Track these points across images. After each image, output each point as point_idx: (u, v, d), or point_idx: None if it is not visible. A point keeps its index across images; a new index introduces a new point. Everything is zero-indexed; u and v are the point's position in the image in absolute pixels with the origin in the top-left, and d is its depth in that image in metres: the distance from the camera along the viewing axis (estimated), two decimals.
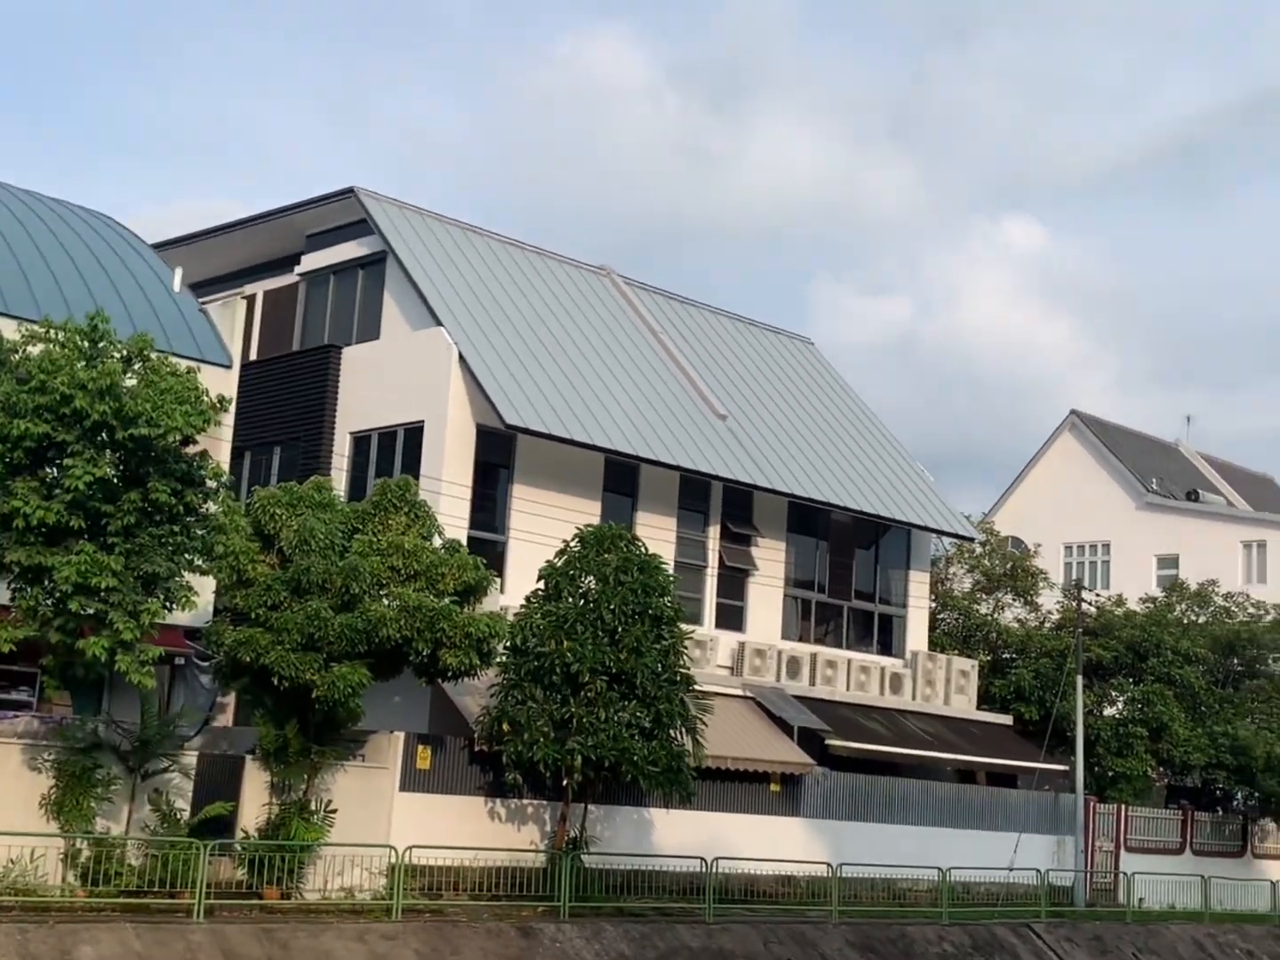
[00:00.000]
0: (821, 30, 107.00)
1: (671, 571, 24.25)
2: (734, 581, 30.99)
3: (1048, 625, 36.31)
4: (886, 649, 33.39)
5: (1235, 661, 36.72)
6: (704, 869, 23.17)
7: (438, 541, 21.78)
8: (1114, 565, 51.88)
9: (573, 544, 23.04)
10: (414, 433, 27.45)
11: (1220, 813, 36.16)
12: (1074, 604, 34.00)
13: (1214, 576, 42.24)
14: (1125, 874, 32.06)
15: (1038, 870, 28.96)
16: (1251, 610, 37.62)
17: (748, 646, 30.10)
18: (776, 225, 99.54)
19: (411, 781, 22.52)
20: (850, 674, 31.61)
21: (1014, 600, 37.43)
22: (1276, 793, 33.66)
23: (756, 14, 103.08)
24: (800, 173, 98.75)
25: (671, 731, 22.49)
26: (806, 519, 32.41)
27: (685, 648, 23.40)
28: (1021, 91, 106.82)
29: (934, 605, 36.03)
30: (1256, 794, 34.47)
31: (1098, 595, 36.27)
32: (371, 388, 28.33)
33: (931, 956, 25.52)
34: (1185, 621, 36.85)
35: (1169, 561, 50.19)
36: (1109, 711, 34.45)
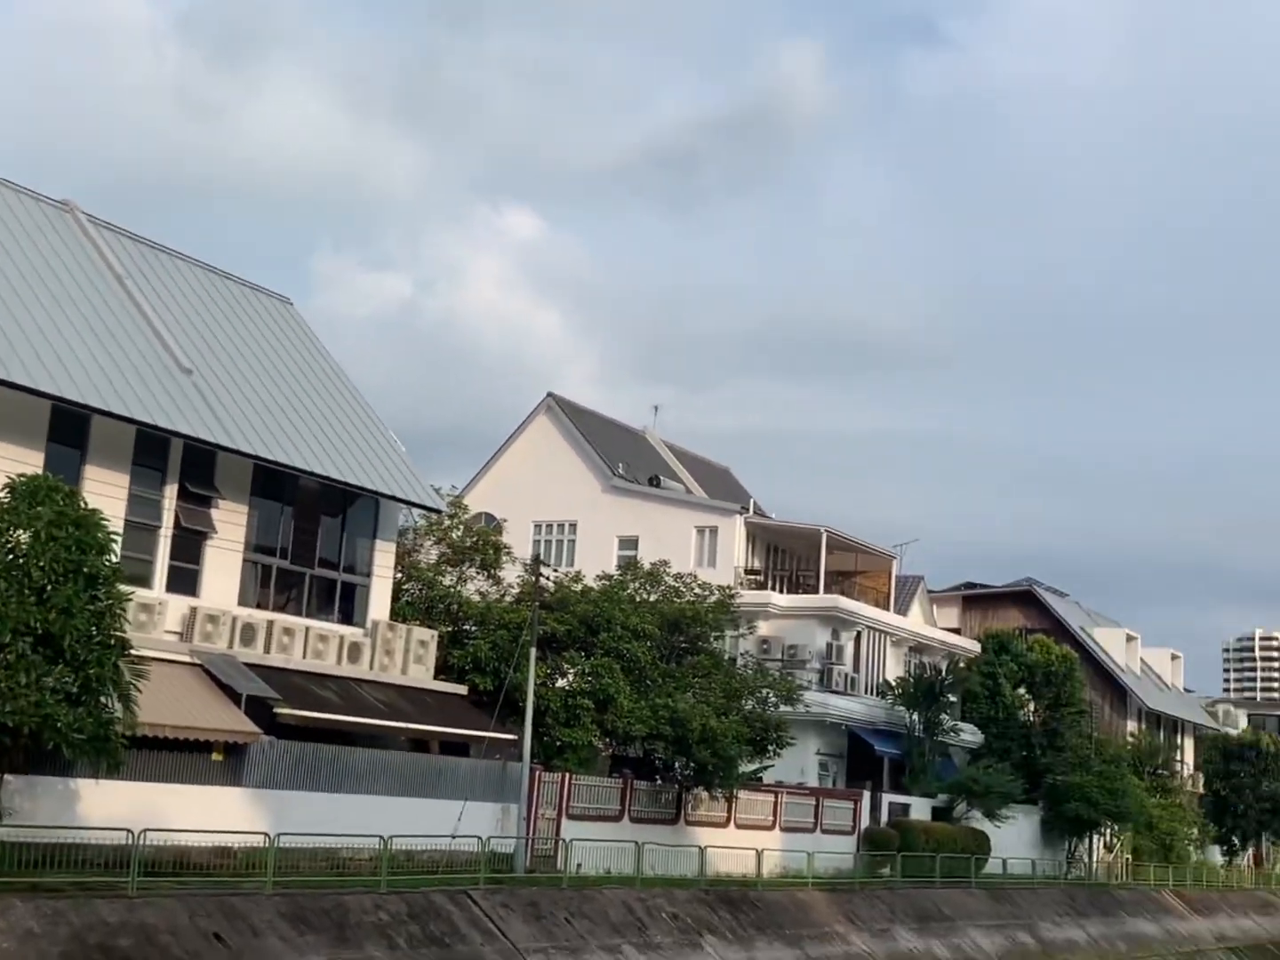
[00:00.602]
0: None
1: (118, 530, 22.95)
2: (190, 544, 29.71)
3: (508, 599, 37.07)
4: (348, 618, 33.03)
5: (680, 638, 38.76)
6: (131, 841, 22.09)
7: None
8: (579, 544, 53.81)
9: (2, 495, 21.38)
10: None
11: (660, 782, 38.06)
12: (533, 579, 34.85)
13: (670, 558, 44.50)
14: (565, 841, 33.20)
15: (479, 837, 29.48)
16: (698, 591, 39.83)
17: (200, 612, 28.97)
18: (281, 190, 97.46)
19: None
20: (308, 642, 31.06)
21: (478, 574, 37.97)
22: (708, 763, 35.75)
23: None
24: (306, 140, 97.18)
25: (102, 698, 21.29)
26: (272, 483, 31.54)
27: (124, 610, 22.21)
28: (528, 84, 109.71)
29: (400, 576, 36.01)
30: (691, 764, 36.45)
31: (556, 571, 37.41)
32: None
33: (366, 925, 25.44)
34: (637, 599, 38.55)
35: (630, 543, 52.56)
36: (561, 684, 35.54)
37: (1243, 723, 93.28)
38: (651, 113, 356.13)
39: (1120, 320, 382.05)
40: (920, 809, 49.76)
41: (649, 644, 36.70)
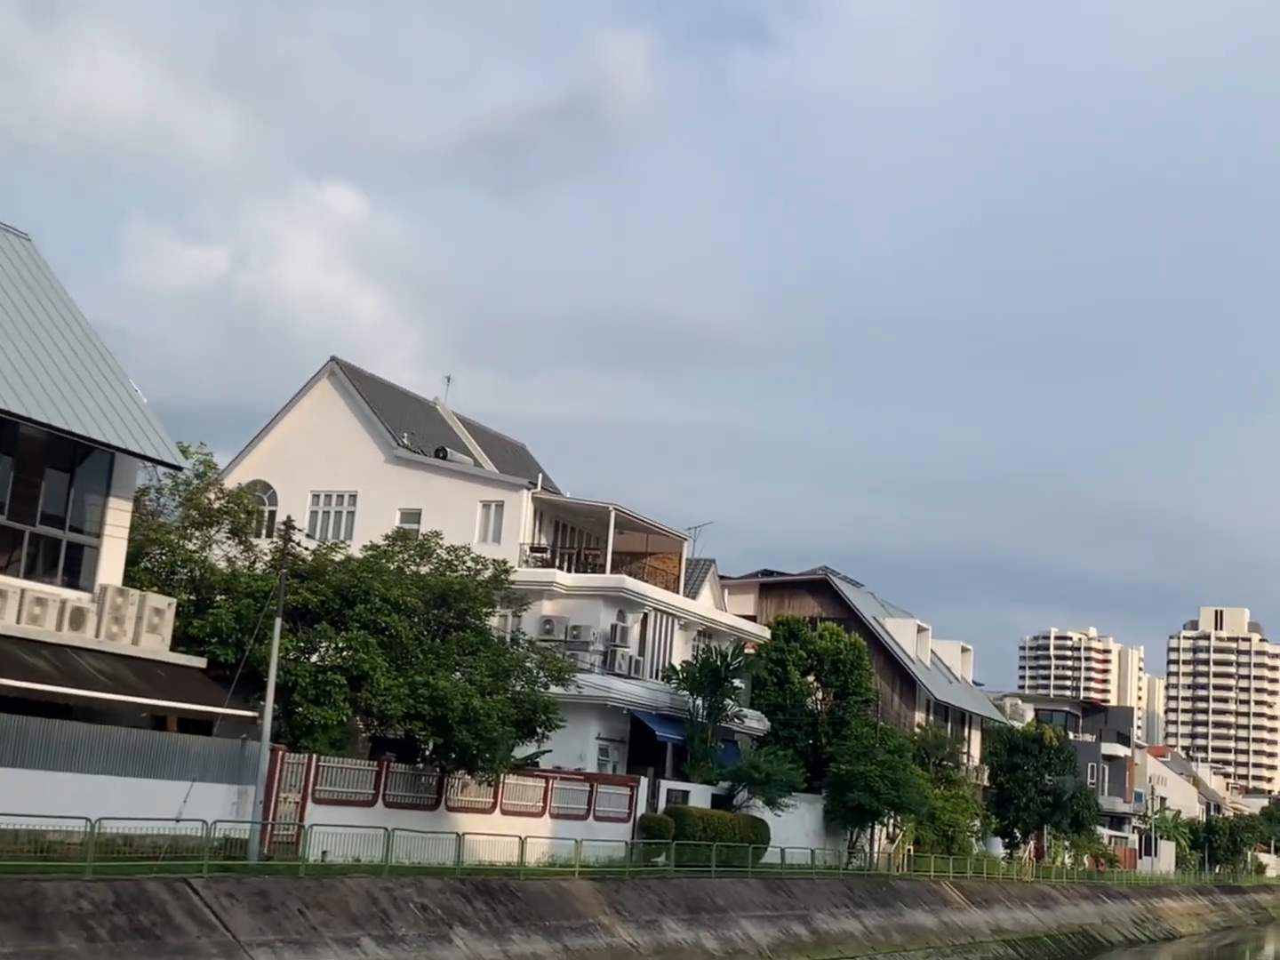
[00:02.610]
0: None
1: None
2: None
3: (260, 566, 34.56)
4: (74, 582, 30.21)
5: (449, 614, 36.74)
6: None
7: None
8: (360, 517, 51.40)
9: None
10: None
11: (422, 765, 36.02)
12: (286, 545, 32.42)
13: (454, 533, 42.45)
14: (307, 827, 31.00)
15: (204, 821, 27.15)
16: (470, 564, 37.84)
17: None
18: (92, 154, 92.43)
19: None
20: (24, 606, 28.21)
21: (229, 540, 35.39)
22: (471, 745, 33.83)
23: None
24: (119, 103, 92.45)
25: None
26: None
27: None
28: (353, 61, 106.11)
29: (141, 540, 33.29)
30: (453, 746, 34.48)
31: (312, 538, 35.04)
32: None
33: (63, 915, 23.04)
34: (403, 570, 36.41)
35: (412, 516, 50.30)
36: (315, 659, 33.24)
37: (1030, 717, 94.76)
38: (480, 97, 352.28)
39: (932, 326, 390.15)
40: (700, 796, 48.53)
41: (412, 618, 34.59)
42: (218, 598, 33.33)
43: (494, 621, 41.15)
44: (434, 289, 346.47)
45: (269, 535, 40.35)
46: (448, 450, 53.67)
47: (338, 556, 35.15)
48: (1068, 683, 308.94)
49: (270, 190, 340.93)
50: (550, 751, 43.98)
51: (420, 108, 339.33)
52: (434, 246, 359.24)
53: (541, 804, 40.24)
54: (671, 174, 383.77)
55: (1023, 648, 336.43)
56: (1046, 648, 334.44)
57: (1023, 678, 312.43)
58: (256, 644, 30.48)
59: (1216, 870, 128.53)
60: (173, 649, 31.12)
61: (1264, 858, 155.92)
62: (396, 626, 33.69)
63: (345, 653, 32.66)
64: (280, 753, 31.06)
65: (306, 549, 33.37)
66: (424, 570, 37.42)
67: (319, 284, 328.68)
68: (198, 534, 34.57)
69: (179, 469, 32.81)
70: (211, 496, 35.49)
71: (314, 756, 32.07)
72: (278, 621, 29.87)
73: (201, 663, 31.08)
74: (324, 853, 31.71)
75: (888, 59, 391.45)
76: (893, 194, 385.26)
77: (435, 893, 31.86)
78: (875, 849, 60.18)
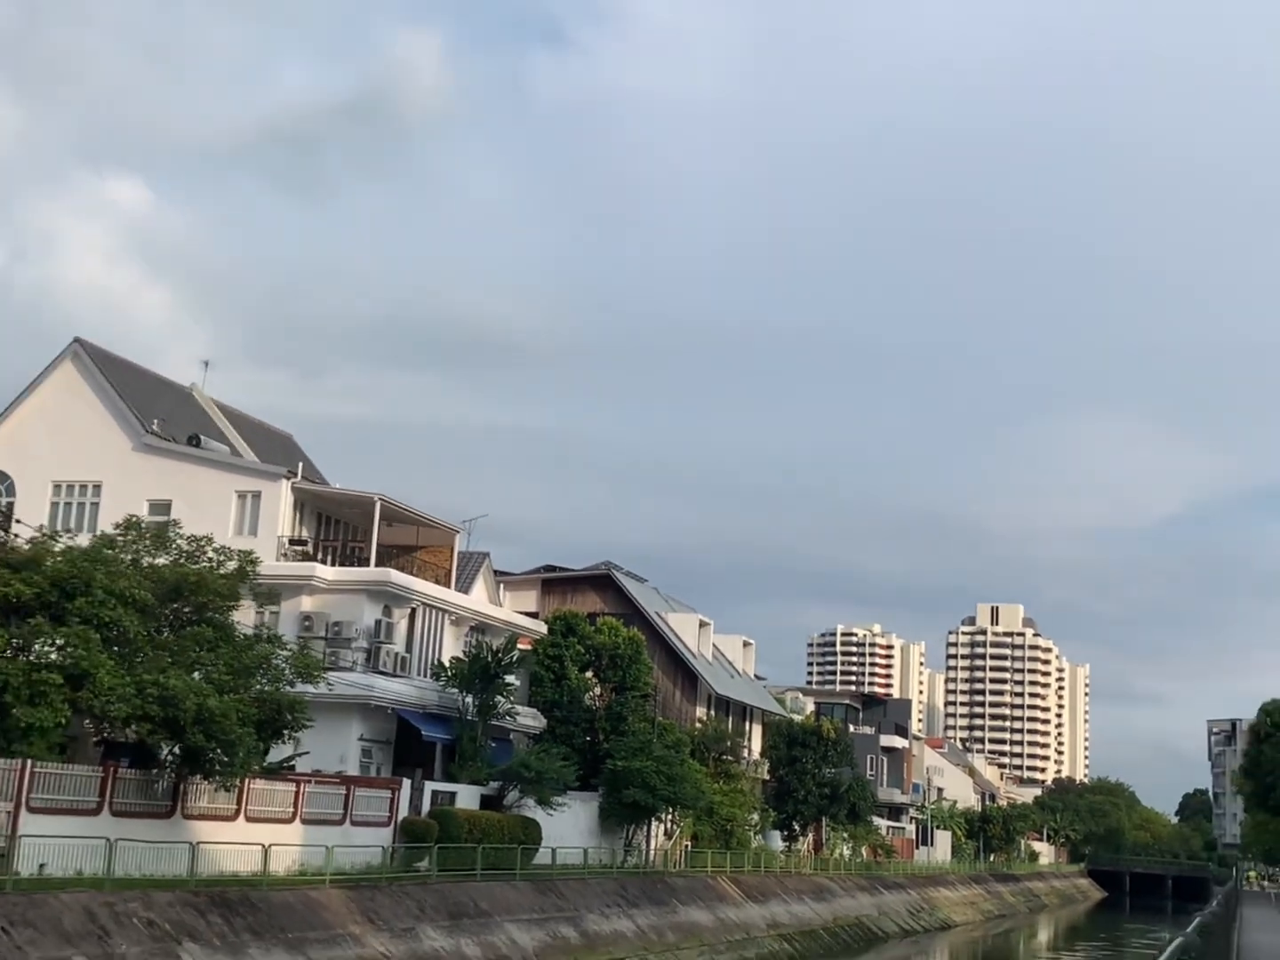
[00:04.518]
0: None
1: None
2: None
3: None
4: None
5: (186, 608, 34.22)
6: None
7: None
8: (104, 508, 48.05)
9: None
10: None
11: (155, 771, 33.43)
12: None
13: (208, 525, 39.78)
14: (20, 838, 28.32)
15: None
16: (211, 556, 35.33)
17: None
18: None
19: None
20: None
21: None
22: (205, 748, 31.45)
23: None
24: None
25: None
26: None
27: None
28: (137, 51, 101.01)
29: None
30: (188, 749, 32.02)
31: (30, 526, 32.18)
32: None
33: None
34: (138, 562, 33.74)
35: (162, 507, 47.35)
36: (31, 657, 30.42)
37: (810, 710, 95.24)
38: (270, 91, 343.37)
39: (731, 332, 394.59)
40: (468, 798, 46.67)
41: (142, 613, 31.98)
42: None
43: (245, 617, 38.68)
44: (224, 286, 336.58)
45: (6, 529, 37.26)
46: (201, 438, 50.75)
47: (58, 546, 32.31)
48: (853, 678, 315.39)
49: (49, 182, 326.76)
50: (307, 754, 41.63)
51: (208, 101, 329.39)
52: (224, 243, 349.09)
53: (292, 810, 37.89)
54: (470, 174, 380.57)
55: (810, 645, 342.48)
56: (833, 644, 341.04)
57: (810, 674, 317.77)
58: None
59: (991, 859, 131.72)
60: None
61: (1037, 846, 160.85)
62: (123, 621, 31.07)
63: (65, 649, 29.92)
64: None
65: (18, 536, 30.52)
66: (161, 562, 34.79)
67: (103, 280, 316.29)
68: None
69: None
70: None
71: (28, 762, 29.30)
72: None
73: None
74: (41, 866, 29.08)
75: (683, 62, 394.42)
76: (692, 196, 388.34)
77: (164, 906, 29.46)
78: (652, 846, 59.12)
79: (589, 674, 58.83)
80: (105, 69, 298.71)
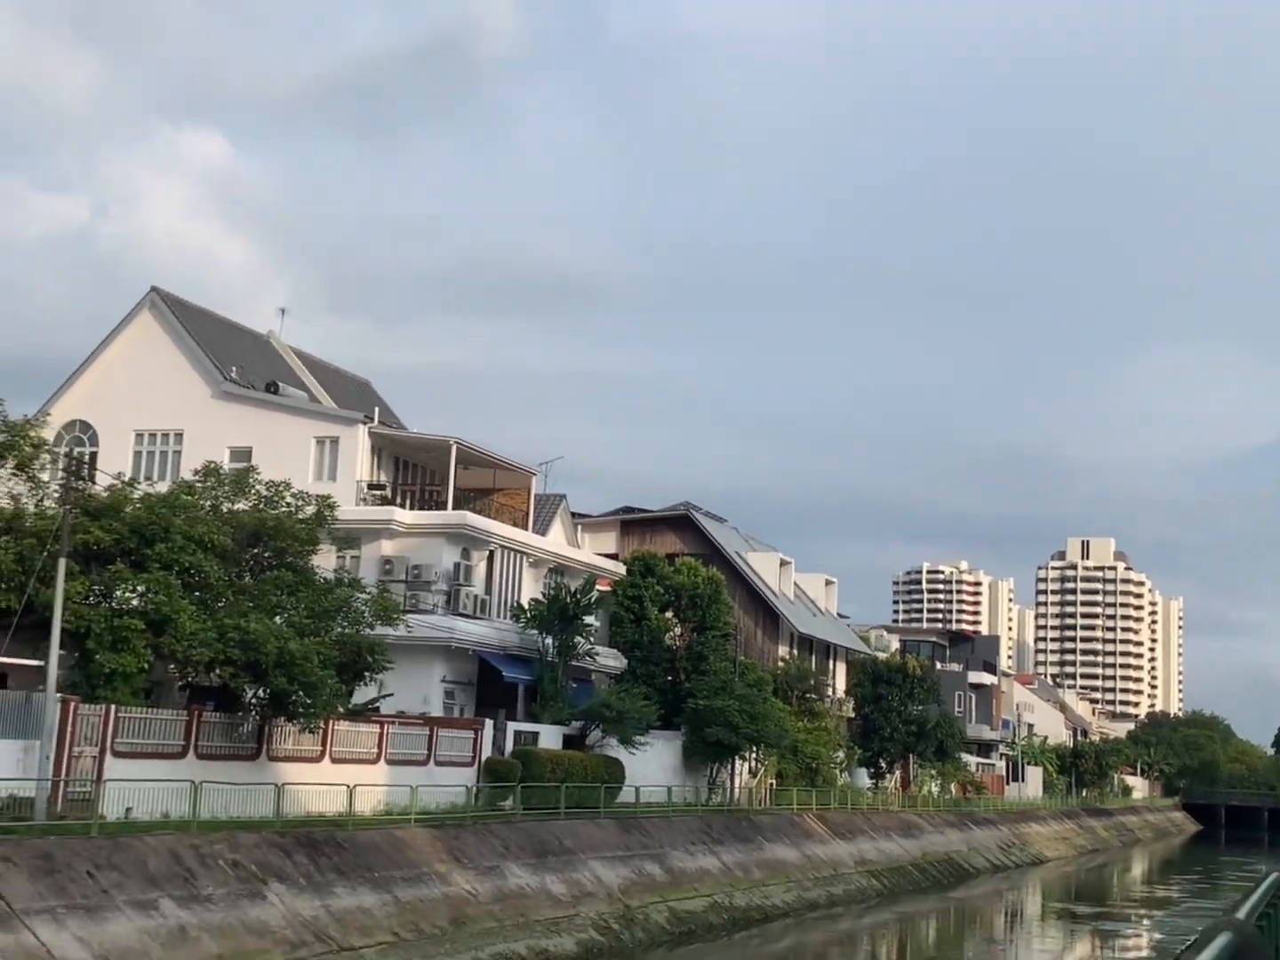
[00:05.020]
0: None
1: None
2: None
3: (47, 503, 31.86)
4: None
5: (266, 553, 34.45)
6: None
7: None
8: (186, 456, 48.48)
9: None
10: None
11: (240, 714, 33.79)
12: (77, 481, 29.89)
13: (288, 471, 40.01)
14: (106, 782, 28.72)
15: None
16: (290, 501, 35.51)
17: None
18: None
19: None
20: None
21: (14, 474, 32.60)
22: (288, 690, 31.71)
23: None
24: None
25: None
26: None
27: None
28: (212, 3, 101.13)
29: None
30: (271, 692, 32.31)
31: (102, 472, 32.41)
32: None
33: None
34: (217, 508, 33.96)
35: (242, 454, 47.62)
36: (112, 603, 30.76)
37: (895, 648, 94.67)
38: (342, 41, 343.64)
39: (807, 270, 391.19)
40: (551, 737, 46.87)
41: (222, 558, 32.22)
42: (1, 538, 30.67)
43: (326, 561, 38.95)
44: (303, 237, 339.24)
45: (91, 480, 37.68)
46: (279, 385, 50.99)
47: (136, 494, 32.56)
48: (939, 616, 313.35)
49: (132, 137, 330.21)
50: (391, 695, 42.06)
51: (283, 52, 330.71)
52: (302, 194, 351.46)
53: (376, 751, 38.22)
54: (543, 117, 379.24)
55: (896, 583, 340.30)
56: (919, 582, 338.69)
57: (896, 613, 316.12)
58: (41, 587, 27.97)
59: (1084, 794, 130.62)
60: None
61: (1130, 780, 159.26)
62: (203, 566, 31.32)
63: (146, 595, 30.22)
64: (72, 704, 28.68)
65: (95, 484, 30.78)
66: (240, 507, 35.03)
67: (185, 233, 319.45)
68: None
69: None
70: None
71: (112, 707, 29.70)
72: (62, 562, 27.39)
73: None
74: (128, 810, 29.48)
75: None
76: (767, 136, 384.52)
77: (250, 848, 29.76)
78: (736, 784, 59.13)
79: (669, 614, 58.75)
80: (182, 23, 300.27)
